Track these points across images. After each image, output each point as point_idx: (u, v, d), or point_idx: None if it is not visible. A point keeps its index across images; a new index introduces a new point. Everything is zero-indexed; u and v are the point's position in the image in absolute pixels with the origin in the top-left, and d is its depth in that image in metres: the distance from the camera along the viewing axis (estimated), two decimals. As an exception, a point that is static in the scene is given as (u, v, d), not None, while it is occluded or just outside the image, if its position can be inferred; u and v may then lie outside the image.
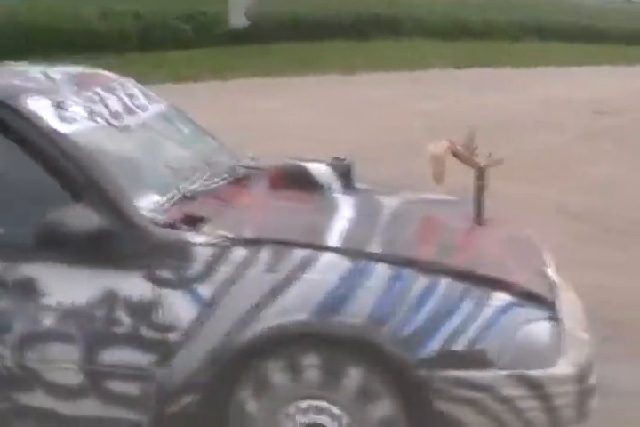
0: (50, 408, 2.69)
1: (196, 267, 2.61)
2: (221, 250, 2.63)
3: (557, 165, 7.31)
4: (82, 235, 2.53)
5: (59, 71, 3.25)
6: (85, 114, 2.91)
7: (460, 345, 2.54)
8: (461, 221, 3.20)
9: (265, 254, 2.63)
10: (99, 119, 2.94)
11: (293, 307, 2.56)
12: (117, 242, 2.60)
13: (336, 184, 3.29)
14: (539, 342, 2.62)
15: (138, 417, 2.66)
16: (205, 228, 2.72)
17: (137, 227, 2.62)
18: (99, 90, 3.13)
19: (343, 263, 2.63)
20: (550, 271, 3.04)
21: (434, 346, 2.54)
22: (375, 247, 2.76)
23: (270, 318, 2.55)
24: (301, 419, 2.64)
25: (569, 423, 2.68)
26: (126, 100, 3.22)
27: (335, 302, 2.56)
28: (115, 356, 2.61)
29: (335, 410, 2.62)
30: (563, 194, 6.37)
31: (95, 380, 2.64)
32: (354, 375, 2.58)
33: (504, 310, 2.61)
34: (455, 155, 3.24)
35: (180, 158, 3.20)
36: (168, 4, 16.63)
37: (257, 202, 3.10)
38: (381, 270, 2.63)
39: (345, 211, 3.08)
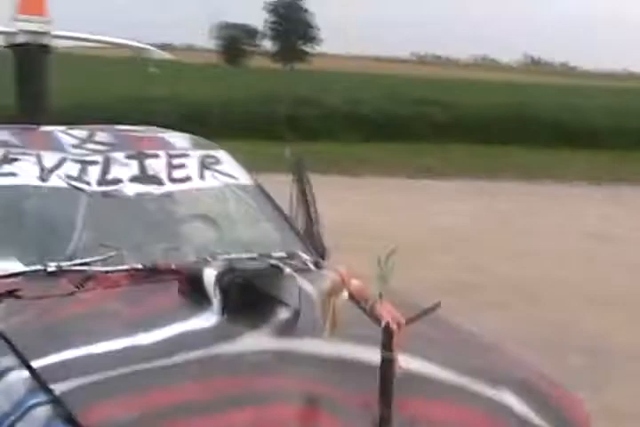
0: None
1: None
2: None
3: None
4: None
5: (115, 132, 3.18)
6: (35, 171, 2.81)
7: None
8: None
9: None
10: (53, 177, 2.81)
11: None
12: None
13: (217, 302, 2.27)
14: None
15: None
16: None
17: None
18: (118, 154, 2.99)
19: None
20: None
21: None
22: None
23: None
24: None
25: None
26: (157, 168, 2.99)
27: None
28: None
29: None
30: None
31: None
32: None
33: None
34: (351, 295, 1.99)
35: (118, 235, 2.77)
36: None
37: (82, 304, 2.44)
38: None
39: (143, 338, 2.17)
